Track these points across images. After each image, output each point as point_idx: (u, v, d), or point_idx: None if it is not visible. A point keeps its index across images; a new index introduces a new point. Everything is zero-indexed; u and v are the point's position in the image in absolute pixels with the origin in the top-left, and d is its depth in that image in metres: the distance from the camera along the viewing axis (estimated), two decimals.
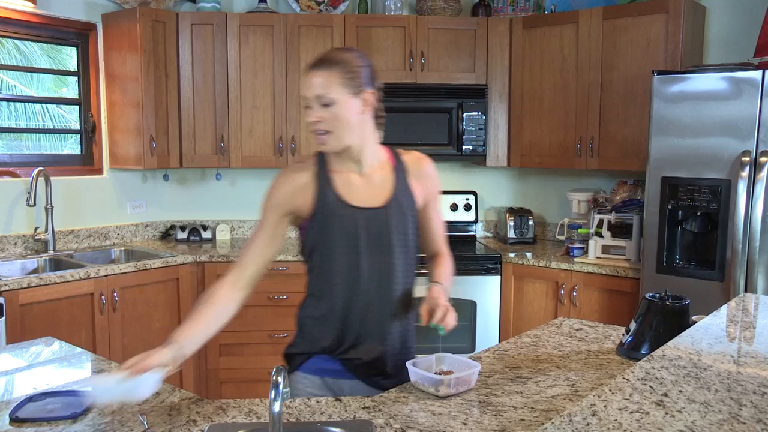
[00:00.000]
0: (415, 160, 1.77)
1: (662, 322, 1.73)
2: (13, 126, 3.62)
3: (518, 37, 3.79)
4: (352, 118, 1.62)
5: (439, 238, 1.86)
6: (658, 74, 2.93)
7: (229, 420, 1.40)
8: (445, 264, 1.83)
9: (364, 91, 1.63)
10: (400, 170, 1.73)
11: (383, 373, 1.72)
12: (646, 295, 1.79)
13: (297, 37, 3.73)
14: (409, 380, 1.60)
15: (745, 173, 2.68)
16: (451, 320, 1.61)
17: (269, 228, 1.69)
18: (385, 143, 1.77)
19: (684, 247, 3.01)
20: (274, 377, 1.17)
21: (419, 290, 1.77)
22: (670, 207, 2.93)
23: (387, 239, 1.67)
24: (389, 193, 1.70)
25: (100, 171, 3.81)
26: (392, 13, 3.89)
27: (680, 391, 1.06)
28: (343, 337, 1.69)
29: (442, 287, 1.72)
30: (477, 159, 4.00)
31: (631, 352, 1.76)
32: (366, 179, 1.70)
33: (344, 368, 1.71)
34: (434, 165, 1.81)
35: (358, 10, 4.00)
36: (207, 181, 4.18)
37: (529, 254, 3.61)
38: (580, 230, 3.61)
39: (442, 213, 1.88)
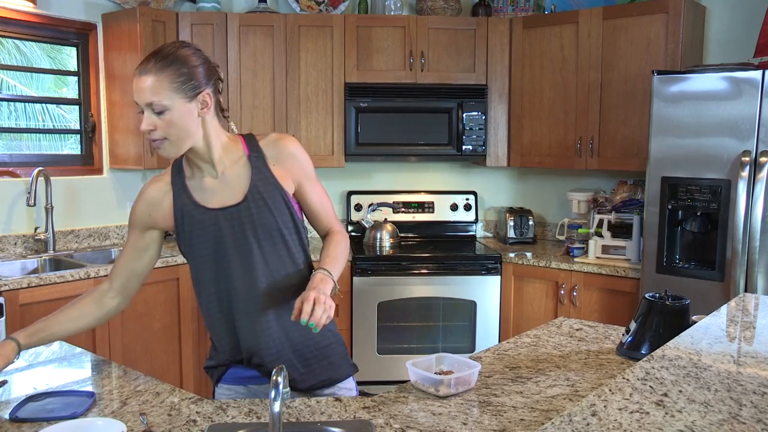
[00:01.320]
0: (271, 143, 1.63)
1: (662, 322, 1.73)
2: (13, 126, 3.62)
3: (518, 37, 3.79)
4: (190, 124, 1.51)
5: (327, 216, 1.72)
6: (658, 74, 2.93)
7: (229, 420, 1.40)
8: (335, 244, 1.67)
9: (201, 92, 1.51)
10: (256, 159, 1.61)
11: (297, 373, 1.65)
12: (646, 295, 1.79)
13: (297, 37, 3.73)
14: (324, 377, 1.63)
15: (745, 173, 2.68)
16: (319, 314, 1.41)
17: (132, 244, 1.70)
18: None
19: (684, 247, 3.01)
20: (274, 377, 1.17)
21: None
22: (670, 207, 2.93)
23: (253, 235, 1.57)
24: (246, 187, 1.59)
25: (100, 171, 3.81)
26: (392, 13, 3.89)
27: (680, 391, 1.06)
28: (238, 345, 1.64)
29: (324, 273, 1.55)
30: (477, 159, 4.00)
31: (631, 352, 1.76)
32: (221, 179, 1.60)
33: (260, 373, 1.65)
34: (296, 142, 1.67)
35: (358, 10, 4.01)
36: None
37: (529, 254, 3.62)
38: (580, 230, 3.61)
39: (322, 188, 1.72)
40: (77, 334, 1.71)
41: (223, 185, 1.60)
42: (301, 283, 1.60)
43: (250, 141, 1.64)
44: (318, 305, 1.42)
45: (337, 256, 1.64)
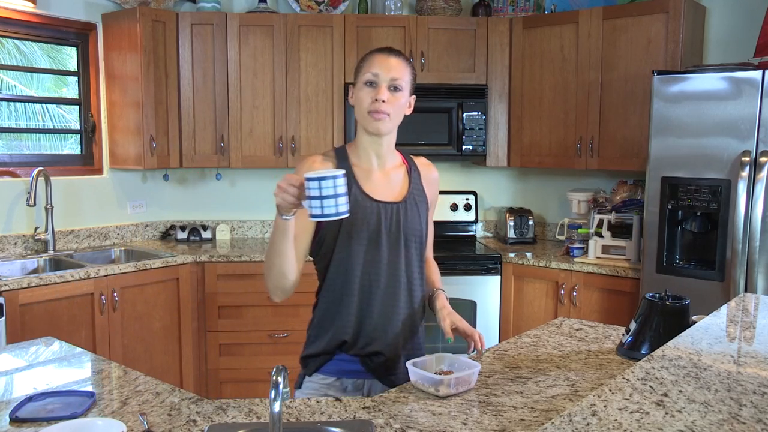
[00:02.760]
0: (424, 164, 1.85)
1: (662, 322, 1.72)
2: (13, 126, 3.62)
3: (518, 37, 3.79)
4: (404, 112, 1.72)
5: (431, 244, 1.91)
6: (658, 74, 2.93)
7: (229, 420, 1.40)
8: (437, 271, 1.94)
9: (412, 94, 1.74)
10: (413, 172, 1.80)
11: (396, 372, 1.73)
12: (646, 295, 1.79)
13: (297, 37, 3.73)
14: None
15: (745, 173, 2.68)
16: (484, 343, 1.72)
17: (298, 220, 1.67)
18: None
19: (684, 247, 3.01)
20: (274, 377, 1.17)
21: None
22: (670, 207, 2.93)
23: (405, 233, 1.72)
24: (406, 190, 1.76)
25: (100, 171, 3.81)
26: (392, 13, 3.89)
27: (680, 391, 1.06)
28: (361, 329, 1.70)
29: (445, 294, 1.81)
30: (477, 159, 4.00)
31: (631, 352, 1.76)
32: (384, 175, 1.75)
33: (363, 368, 1.72)
34: (437, 172, 1.90)
35: (358, 10, 4.00)
36: (207, 181, 4.18)
37: (529, 254, 3.62)
38: (580, 230, 3.61)
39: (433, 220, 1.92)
40: (283, 273, 1.62)
41: (386, 182, 1.75)
42: (418, 284, 1.77)
43: (406, 155, 1.84)
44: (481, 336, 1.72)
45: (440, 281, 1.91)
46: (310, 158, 1.73)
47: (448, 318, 1.70)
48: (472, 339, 1.69)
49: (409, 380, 1.60)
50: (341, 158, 1.74)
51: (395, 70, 1.66)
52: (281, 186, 1.45)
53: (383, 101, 1.65)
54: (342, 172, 1.42)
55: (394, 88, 1.67)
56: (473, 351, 1.71)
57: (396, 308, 1.72)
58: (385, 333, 1.71)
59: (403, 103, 1.70)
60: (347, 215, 1.45)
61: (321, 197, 1.40)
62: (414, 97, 1.75)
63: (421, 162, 1.85)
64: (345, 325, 1.70)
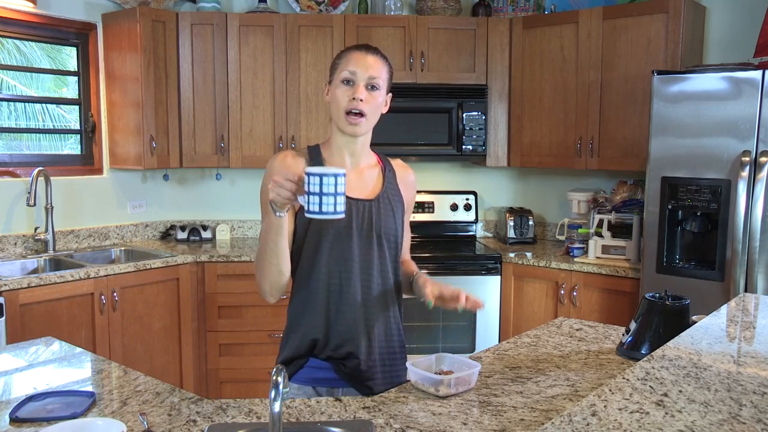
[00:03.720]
0: (400, 166, 1.82)
1: (662, 322, 1.72)
2: (13, 126, 3.62)
3: (518, 37, 3.79)
4: (380, 111, 1.69)
5: (407, 247, 1.87)
6: (658, 74, 2.93)
7: (229, 420, 1.40)
8: (415, 265, 1.86)
9: (389, 93, 1.71)
10: (389, 172, 1.77)
11: (373, 378, 1.68)
12: (646, 295, 1.79)
13: (297, 37, 3.73)
14: (402, 383, 1.59)
15: (745, 173, 2.68)
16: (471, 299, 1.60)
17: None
18: (378, 143, 1.79)
19: (684, 247, 3.01)
20: (274, 377, 1.17)
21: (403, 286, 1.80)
22: (670, 207, 2.93)
23: (377, 231, 1.68)
24: (379, 188, 1.72)
25: (100, 171, 3.81)
26: (392, 13, 3.89)
27: (680, 391, 1.06)
28: (331, 328, 1.66)
29: (427, 276, 1.74)
30: (477, 159, 4.00)
31: (631, 352, 1.76)
32: (358, 173, 1.72)
33: (337, 375, 1.67)
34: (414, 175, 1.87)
35: (358, 10, 4.00)
36: (207, 181, 4.18)
37: (529, 254, 3.62)
38: (580, 230, 3.61)
39: (409, 223, 1.89)
40: (280, 270, 1.61)
41: (360, 180, 1.71)
42: (392, 285, 1.73)
43: (382, 155, 1.81)
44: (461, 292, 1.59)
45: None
46: (281, 154, 1.69)
47: (429, 284, 1.63)
48: (457, 296, 1.58)
49: (386, 388, 1.59)
50: (314, 156, 1.70)
51: (373, 69, 1.63)
52: (277, 180, 1.42)
53: (361, 100, 1.61)
54: (343, 171, 1.41)
55: (372, 87, 1.64)
56: (462, 309, 1.59)
57: (369, 308, 1.68)
58: (357, 334, 1.66)
59: (381, 102, 1.67)
60: (343, 216, 1.43)
61: (321, 194, 1.39)
62: (391, 95, 1.72)
63: (397, 163, 1.81)
64: (314, 323, 1.66)
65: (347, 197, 1.61)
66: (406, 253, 1.86)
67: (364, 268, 1.67)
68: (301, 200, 1.42)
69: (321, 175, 1.39)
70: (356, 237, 1.65)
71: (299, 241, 1.67)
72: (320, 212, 1.41)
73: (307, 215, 1.42)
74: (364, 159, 1.73)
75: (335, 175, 1.39)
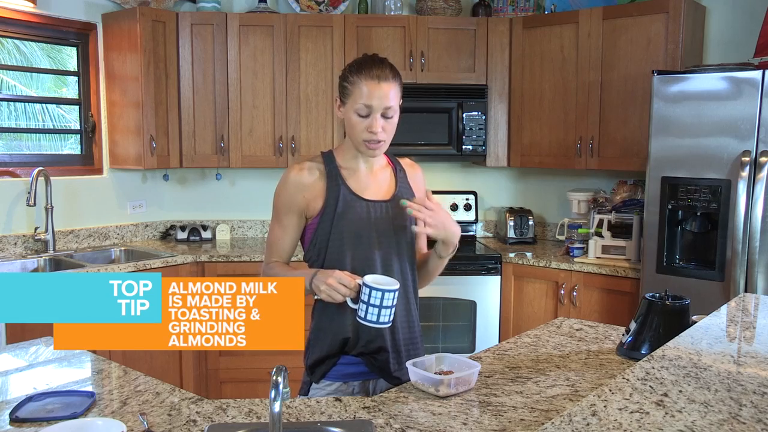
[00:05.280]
0: (409, 164, 1.88)
1: (662, 322, 1.72)
2: (13, 126, 3.62)
3: (518, 37, 3.79)
4: (396, 127, 1.72)
5: (425, 238, 1.90)
6: (658, 74, 2.93)
7: (229, 420, 1.40)
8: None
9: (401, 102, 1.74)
10: (399, 171, 1.83)
11: (403, 368, 1.73)
12: (646, 295, 1.79)
13: (297, 37, 3.73)
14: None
15: (745, 173, 2.68)
16: (425, 214, 1.63)
17: (296, 225, 1.76)
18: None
19: (684, 247, 3.01)
20: (274, 377, 1.17)
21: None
22: (670, 207, 2.93)
23: (393, 229, 1.74)
24: (394, 188, 1.79)
25: (100, 171, 3.81)
26: (392, 13, 3.89)
27: (680, 391, 1.06)
28: (360, 326, 1.68)
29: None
30: (477, 159, 4.00)
31: (631, 352, 1.76)
32: (372, 175, 1.78)
33: (368, 368, 1.74)
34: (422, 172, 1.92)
35: (358, 10, 4.00)
36: (207, 181, 4.18)
37: (529, 254, 3.62)
38: (580, 230, 3.61)
39: None
40: None
41: (374, 181, 1.78)
42: (411, 280, 1.79)
43: (391, 156, 1.85)
44: (430, 211, 1.62)
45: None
46: (297, 166, 1.75)
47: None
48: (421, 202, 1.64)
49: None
50: (329, 163, 1.76)
51: (387, 98, 1.65)
52: (331, 284, 1.52)
53: (379, 132, 1.65)
54: (398, 285, 1.50)
55: (388, 116, 1.67)
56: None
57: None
58: (383, 330, 1.71)
59: (396, 122, 1.70)
60: (389, 326, 1.52)
61: (381, 306, 1.49)
62: (401, 101, 1.74)
63: (405, 162, 1.88)
64: (344, 323, 1.71)
65: (366, 200, 1.71)
66: (423, 247, 1.90)
67: (385, 266, 1.72)
68: (353, 304, 1.51)
69: (384, 291, 1.48)
70: (376, 237, 1.72)
71: (321, 243, 1.72)
72: (377, 322, 1.51)
73: (360, 320, 1.51)
74: (376, 162, 1.80)
75: (394, 291, 1.49)
